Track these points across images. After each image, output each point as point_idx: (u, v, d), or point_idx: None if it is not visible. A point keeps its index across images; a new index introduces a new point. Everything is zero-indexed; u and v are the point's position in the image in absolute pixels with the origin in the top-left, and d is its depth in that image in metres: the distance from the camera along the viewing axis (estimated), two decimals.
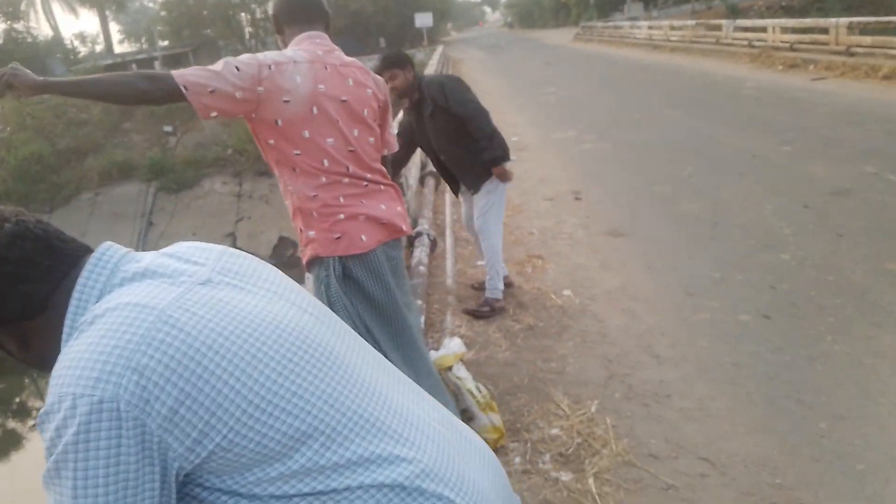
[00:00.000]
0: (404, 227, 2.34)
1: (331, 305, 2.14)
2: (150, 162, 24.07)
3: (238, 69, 1.93)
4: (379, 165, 2.30)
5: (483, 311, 4.10)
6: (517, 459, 2.82)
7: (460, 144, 3.91)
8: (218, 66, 1.93)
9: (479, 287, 4.49)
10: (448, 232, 5.53)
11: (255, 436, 0.87)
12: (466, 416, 2.87)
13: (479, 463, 1.10)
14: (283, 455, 0.89)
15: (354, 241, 2.17)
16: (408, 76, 3.66)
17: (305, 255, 2.19)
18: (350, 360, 1.03)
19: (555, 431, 2.99)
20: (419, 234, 4.84)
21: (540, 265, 4.92)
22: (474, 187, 4.09)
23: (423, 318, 3.57)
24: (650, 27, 26.06)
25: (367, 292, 2.21)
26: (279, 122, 2.03)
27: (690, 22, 22.70)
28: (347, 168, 2.17)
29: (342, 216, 2.15)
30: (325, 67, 2.13)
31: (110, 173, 24.19)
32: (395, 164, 4.19)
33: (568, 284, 4.53)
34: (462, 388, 2.85)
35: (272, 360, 0.91)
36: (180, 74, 1.87)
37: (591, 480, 2.64)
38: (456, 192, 4.34)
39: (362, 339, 1.15)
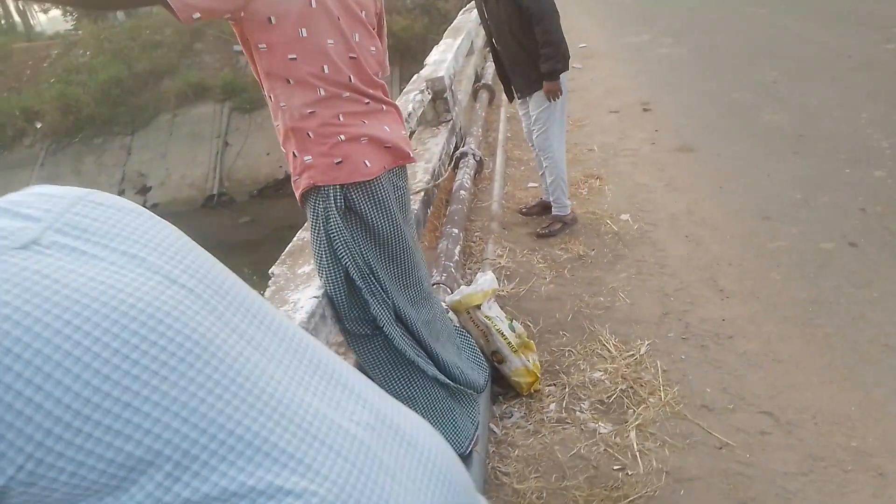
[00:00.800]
0: (410, 153, 2.03)
1: (329, 242, 1.88)
2: (223, 82, 24.12)
3: None
4: (381, 81, 1.98)
5: (554, 228, 3.86)
6: (552, 406, 2.56)
7: (521, 42, 3.58)
8: None
9: (528, 212, 4.15)
10: (500, 151, 5.14)
11: (67, 465, 0.61)
12: (498, 359, 2.62)
13: (422, 476, 0.82)
14: (113, 489, 0.63)
15: (357, 167, 1.87)
16: None
17: (300, 185, 1.89)
18: (232, 348, 0.74)
19: (597, 375, 2.70)
20: (464, 155, 4.49)
21: (597, 186, 4.50)
22: (525, 92, 3.73)
23: (457, 249, 3.28)
24: None
25: (371, 226, 1.93)
26: (273, 19, 1.70)
27: None
28: (349, 79, 1.85)
29: (342, 137, 1.84)
30: None
31: (186, 95, 24.45)
32: None
33: (627, 208, 4.12)
34: (492, 328, 2.57)
35: (97, 359, 0.63)
36: None
37: (632, 434, 2.36)
38: (510, 95, 3.96)
39: (270, 311, 0.85)
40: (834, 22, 8.00)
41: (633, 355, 2.77)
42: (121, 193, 17.45)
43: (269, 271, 2.10)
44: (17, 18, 42.19)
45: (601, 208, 4.14)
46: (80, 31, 27.14)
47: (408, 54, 18.12)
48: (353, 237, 1.90)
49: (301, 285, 1.93)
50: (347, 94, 1.85)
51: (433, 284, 2.90)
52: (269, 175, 19.53)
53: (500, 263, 3.48)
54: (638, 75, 7.51)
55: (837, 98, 5.38)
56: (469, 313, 2.62)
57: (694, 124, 5.48)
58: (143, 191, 17.96)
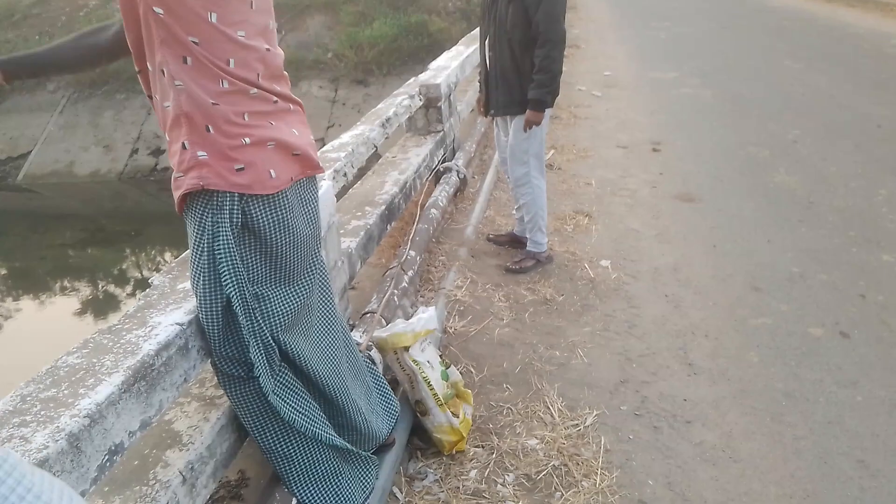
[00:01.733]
0: (319, 163, 1.74)
1: (214, 264, 1.54)
2: None
3: None
4: (285, 73, 1.69)
5: (526, 265, 3.52)
6: (473, 473, 2.25)
7: (516, 56, 3.25)
8: None
9: (495, 240, 3.83)
10: (491, 171, 4.84)
11: None
12: (420, 409, 2.31)
13: None
14: None
15: (261, 178, 1.56)
16: None
17: (182, 184, 1.54)
18: None
19: (532, 443, 2.38)
20: (448, 170, 4.19)
21: (584, 224, 4.19)
22: (502, 110, 3.40)
23: (408, 275, 2.97)
24: None
25: (270, 246, 1.61)
26: (159, 10, 1.42)
27: None
28: (257, 76, 1.56)
29: (247, 140, 1.54)
30: None
31: None
32: None
33: (609, 253, 3.81)
34: (418, 375, 2.27)
35: None
36: None
37: None
38: (487, 109, 3.62)
39: None
40: (869, 88, 7.67)
41: (576, 425, 2.46)
42: (135, 152, 17.29)
43: (150, 280, 1.80)
44: None
45: (582, 249, 3.83)
46: None
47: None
48: (243, 261, 1.59)
49: (171, 305, 1.63)
50: (254, 90, 1.56)
51: (367, 313, 2.60)
52: None
53: (456, 296, 3.17)
54: (656, 113, 7.19)
55: (857, 168, 5.05)
56: (396, 353, 2.32)
57: (701, 173, 5.16)
58: (157, 153, 17.80)
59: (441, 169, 4.20)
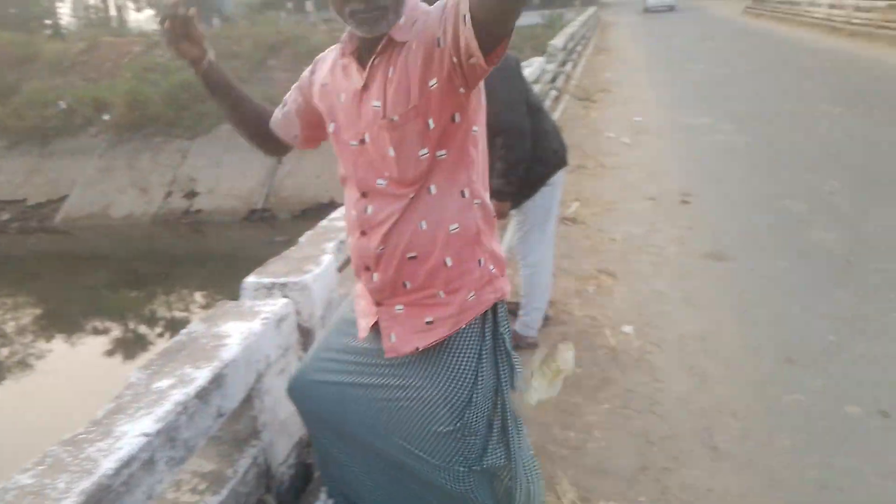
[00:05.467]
0: None
1: (481, 372, 1.59)
2: None
3: None
4: None
5: None
6: None
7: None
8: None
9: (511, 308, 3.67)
10: None
11: None
12: None
13: None
14: None
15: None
16: None
17: (483, 300, 1.57)
18: None
19: None
20: None
21: (607, 286, 4.03)
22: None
23: None
24: (831, 6, 22.94)
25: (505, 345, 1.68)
26: (476, 129, 1.54)
27: (882, 3, 19.53)
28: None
29: (498, 248, 1.69)
30: None
31: None
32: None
33: (633, 318, 3.63)
34: None
35: None
36: None
37: None
38: None
39: None
40: None
41: None
42: (169, 195, 17.66)
43: (129, 376, 1.71)
44: (113, 13, 44.27)
45: (604, 314, 3.67)
46: None
47: None
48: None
49: (142, 410, 1.52)
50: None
51: None
52: (314, 198, 19.51)
53: None
54: (686, 161, 7.03)
55: None
56: None
57: (732, 228, 4.97)
58: (190, 195, 18.10)
59: None
